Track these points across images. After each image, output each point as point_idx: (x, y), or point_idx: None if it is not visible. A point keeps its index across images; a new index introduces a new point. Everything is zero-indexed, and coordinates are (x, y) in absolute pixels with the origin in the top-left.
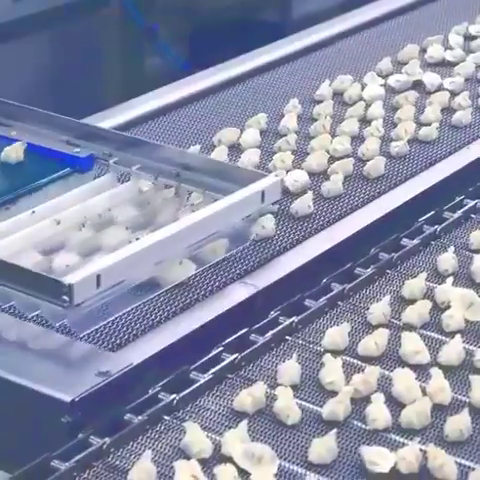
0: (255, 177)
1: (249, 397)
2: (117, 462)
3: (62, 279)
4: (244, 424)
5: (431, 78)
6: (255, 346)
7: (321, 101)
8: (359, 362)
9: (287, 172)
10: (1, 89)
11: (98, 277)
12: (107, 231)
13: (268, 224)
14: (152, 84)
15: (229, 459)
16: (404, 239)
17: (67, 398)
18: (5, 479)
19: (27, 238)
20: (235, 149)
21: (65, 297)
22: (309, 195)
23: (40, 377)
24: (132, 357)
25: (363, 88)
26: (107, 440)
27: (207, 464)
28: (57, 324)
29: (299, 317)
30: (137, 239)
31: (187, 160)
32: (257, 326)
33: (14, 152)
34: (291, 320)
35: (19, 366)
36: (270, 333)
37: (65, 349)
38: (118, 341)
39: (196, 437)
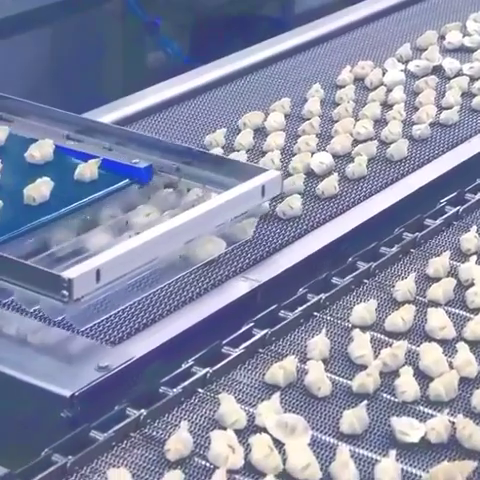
0: (255, 172)
1: (281, 370)
2: (154, 433)
3: (62, 274)
4: (277, 396)
5: (451, 63)
6: (285, 322)
7: (343, 86)
8: (386, 338)
9: (312, 154)
10: (2, 84)
11: (98, 272)
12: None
13: (295, 204)
14: (154, 78)
15: (263, 430)
16: (427, 219)
17: (67, 393)
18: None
19: None
20: (260, 132)
21: (65, 292)
22: (335, 176)
23: (40, 372)
24: (132, 351)
25: (383, 73)
26: (144, 412)
27: (241, 435)
28: (57, 319)
29: (327, 294)
30: (137, 233)
31: (187, 155)
32: (286, 303)
33: (89, 170)
34: (319, 297)
35: (19, 361)
36: (299, 309)
37: (65, 344)
38: (118, 335)
39: (231, 408)
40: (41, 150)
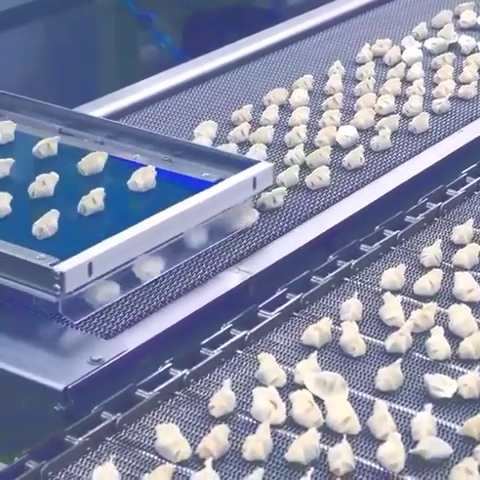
0: (247, 164)
1: (316, 331)
2: (197, 391)
3: (54, 267)
4: (314, 355)
5: (467, 40)
6: (317, 286)
7: (362, 63)
8: (415, 301)
9: (337, 128)
10: None
11: (90, 265)
12: None
13: (324, 175)
14: (148, 72)
15: (302, 387)
16: (449, 190)
17: (60, 386)
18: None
19: None
20: (284, 108)
21: (57, 285)
22: (360, 148)
23: (33, 365)
24: (125, 344)
25: (401, 51)
26: (186, 372)
27: (281, 392)
28: (50, 312)
29: (356, 260)
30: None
31: (179, 147)
32: (317, 269)
33: (141, 178)
34: (349, 263)
35: (12, 354)
36: (330, 275)
37: (58, 337)
38: (111, 328)
39: (271, 367)
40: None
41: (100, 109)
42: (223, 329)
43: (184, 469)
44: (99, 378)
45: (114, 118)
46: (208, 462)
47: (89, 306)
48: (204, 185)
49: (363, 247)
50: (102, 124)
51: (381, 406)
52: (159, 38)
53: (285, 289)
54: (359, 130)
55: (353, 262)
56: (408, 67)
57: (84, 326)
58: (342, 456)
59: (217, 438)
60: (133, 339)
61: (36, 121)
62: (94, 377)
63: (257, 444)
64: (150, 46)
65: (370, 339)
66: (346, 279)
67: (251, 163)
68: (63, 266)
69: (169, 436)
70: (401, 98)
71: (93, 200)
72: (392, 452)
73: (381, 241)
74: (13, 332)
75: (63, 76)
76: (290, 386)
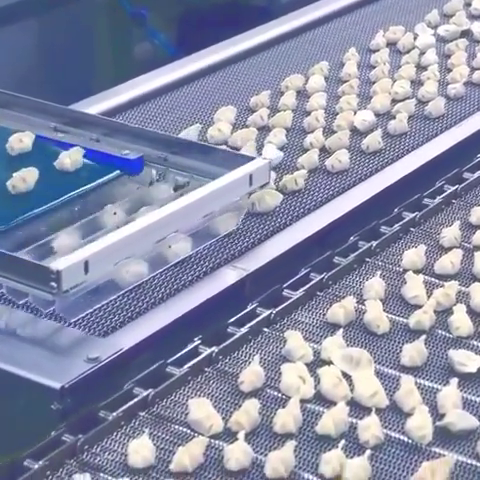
0: (243, 160)
1: (341, 309)
2: (226, 368)
3: (50, 265)
4: (340, 332)
5: (479, 27)
6: (340, 266)
7: (376, 50)
8: (436, 280)
9: (354, 113)
10: None
11: (86, 263)
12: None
13: (343, 158)
14: (142, 69)
15: (329, 364)
16: (466, 173)
17: (57, 385)
18: None
19: None
20: (301, 94)
21: (53, 283)
22: (378, 132)
23: (29, 364)
24: (122, 342)
25: (414, 38)
26: (215, 349)
27: (309, 368)
28: (46, 311)
29: (377, 242)
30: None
31: (175, 144)
32: (339, 250)
33: (68, 159)
34: (370, 244)
35: (8, 353)
36: (352, 255)
37: (54, 335)
38: (108, 326)
39: (298, 344)
40: (24, 141)
41: (95, 106)
42: (249, 308)
43: (217, 442)
44: (96, 377)
45: (113, 114)
46: (241, 435)
47: (86, 304)
48: (125, 163)
49: (383, 229)
50: (97, 121)
51: (408, 380)
52: (153, 35)
53: (308, 269)
54: (376, 115)
55: (374, 243)
56: (422, 53)
57: (80, 324)
58: (371, 429)
59: (248, 412)
60: (130, 337)
61: (30, 118)
62: (91, 376)
63: (288, 418)
64: (144, 43)
65: (393, 317)
66: (367, 259)
67: (247, 160)
68: (59, 264)
69: (201, 410)
70: (416, 83)
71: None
72: (420, 424)
73: (400, 223)
74: (9, 330)
75: (57, 74)
76: (317, 362)
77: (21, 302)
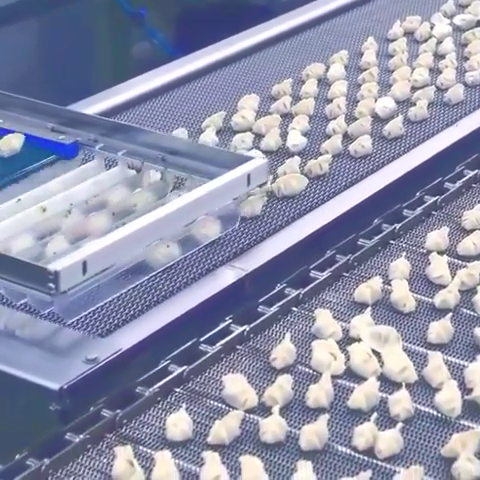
0: (241, 160)
1: (368, 289)
2: (257, 346)
3: (48, 266)
4: (368, 310)
5: None
6: (364, 249)
7: (394, 40)
8: (459, 261)
9: (375, 100)
10: None
11: (84, 263)
12: (94, 217)
13: (366, 143)
14: (141, 68)
15: (358, 341)
16: None
17: (55, 386)
18: None
19: (14, 226)
20: (322, 82)
21: (51, 284)
22: (400, 118)
23: (28, 365)
24: (120, 343)
25: (431, 27)
26: (246, 327)
27: (338, 345)
28: (44, 311)
29: (400, 224)
30: (123, 224)
31: (173, 144)
32: (363, 232)
33: (7, 144)
34: (393, 227)
35: (7, 354)
36: (376, 237)
37: (53, 336)
38: (106, 327)
39: (327, 321)
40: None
41: (94, 106)
42: (277, 288)
43: (251, 416)
44: (94, 377)
45: (115, 113)
46: (275, 408)
47: (84, 305)
48: (60, 147)
49: (405, 212)
50: (95, 122)
51: (436, 356)
52: (152, 34)
53: (334, 251)
54: (396, 102)
55: (397, 226)
56: (439, 42)
57: (79, 325)
58: (402, 402)
59: (282, 387)
60: (128, 338)
61: (27, 118)
62: (89, 376)
63: (320, 392)
64: (143, 42)
65: (418, 297)
66: (391, 242)
67: (245, 160)
68: (57, 265)
69: (236, 385)
70: (434, 71)
71: None
72: (449, 398)
73: (423, 206)
74: (8, 331)
75: (55, 73)
76: (346, 340)
77: (19, 303)
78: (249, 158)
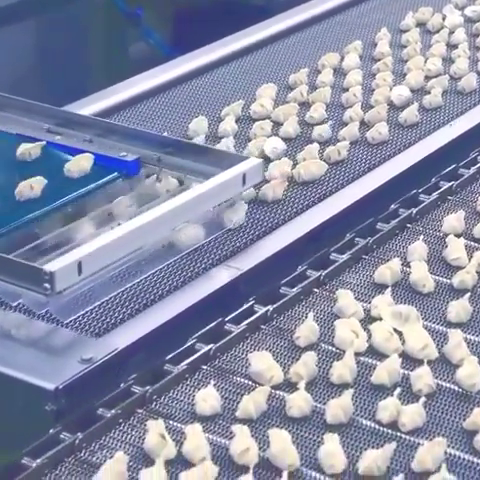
0: (236, 160)
1: (388, 270)
2: (281, 325)
3: (43, 267)
4: (389, 290)
5: None
6: (382, 232)
7: (407, 30)
8: (476, 244)
9: (390, 88)
10: None
11: (79, 264)
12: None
13: (383, 130)
14: (138, 68)
15: (379, 320)
16: None
17: (51, 386)
18: None
19: None
20: (338, 72)
21: (46, 285)
22: (415, 106)
23: (23, 365)
24: (115, 343)
25: (443, 19)
26: (270, 308)
27: (360, 324)
28: (40, 312)
29: (416, 209)
30: (119, 224)
31: (168, 144)
32: (380, 216)
33: (76, 165)
34: (409, 211)
35: (2, 355)
36: (394, 222)
37: (48, 336)
38: (101, 327)
39: (349, 301)
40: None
41: (89, 107)
42: (299, 270)
43: (278, 392)
44: (90, 377)
45: (134, 103)
46: (301, 384)
47: (80, 305)
48: (122, 164)
49: (422, 197)
50: (91, 122)
51: (456, 334)
52: (148, 35)
53: (353, 234)
54: (411, 90)
55: (414, 210)
56: (451, 33)
57: (74, 325)
58: (424, 378)
59: (307, 363)
60: (123, 338)
61: (23, 120)
62: (85, 376)
63: (344, 369)
64: (140, 43)
65: (437, 278)
66: (408, 225)
67: (241, 159)
68: (53, 265)
69: (262, 362)
70: (447, 61)
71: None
72: (470, 374)
73: (438, 191)
74: (3, 332)
75: (52, 74)
76: (367, 319)
77: (15, 304)
78: (244, 158)
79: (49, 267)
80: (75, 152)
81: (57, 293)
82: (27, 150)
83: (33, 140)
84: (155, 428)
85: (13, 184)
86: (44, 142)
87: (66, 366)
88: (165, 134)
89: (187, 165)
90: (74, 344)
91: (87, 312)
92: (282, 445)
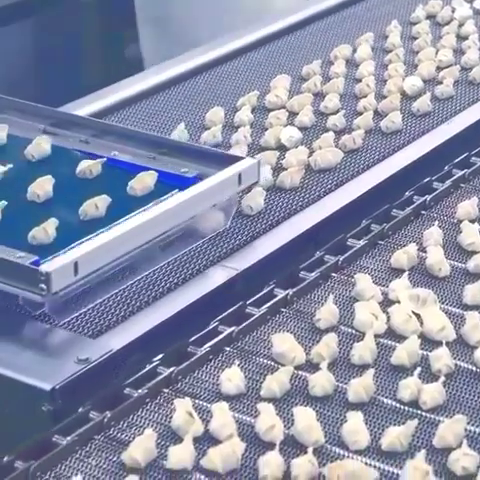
0: (232, 160)
1: (404, 255)
2: (301, 308)
3: (39, 267)
4: (406, 274)
5: None
6: (398, 218)
7: (417, 23)
8: None
9: (402, 79)
10: None
11: (75, 264)
12: None
13: (397, 119)
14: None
15: (396, 303)
16: None
17: (47, 386)
18: None
19: None
20: (350, 63)
21: (43, 285)
22: (428, 95)
23: (19, 365)
24: (112, 343)
25: (452, 11)
26: (290, 291)
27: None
28: (36, 312)
29: (431, 196)
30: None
31: (164, 144)
32: (396, 203)
33: (140, 183)
34: (424, 198)
35: None
36: (408, 209)
37: (44, 337)
38: (97, 327)
39: (367, 285)
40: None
41: (85, 108)
42: (317, 255)
43: (300, 372)
44: (86, 377)
45: (129, 104)
46: (323, 364)
47: (76, 305)
48: (185, 181)
49: (435, 184)
50: (87, 123)
51: (473, 315)
52: None
53: (369, 220)
54: (422, 81)
55: (428, 197)
56: (461, 25)
57: (70, 326)
58: (443, 358)
59: (328, 344)
60: (120, 338)
61: (19, 121)
62: (81, 377)
63: (365, 350)
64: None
65: (452, 262)
66: (423, 212)
67: (236, 159)
68: (49, 266)
69: (285, 343)
70: (457, 52)
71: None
72: None
73: (451, 179)
74: None
75: (48, 74)
76: (385, 303)
77: (11, 304)
78: (240, 158)
79: (45, 267)
80: (135, 169)
81: (53, 294)
82: (88, 167)
83: (93, 156)
84: (182, 406)
85: (76, 203)
86: (104, 159)
87: (62, 366)
88: (182, 125)
89: (183, 165)
90: (70, 344)
91: (83, 312)
92: (307, 422)
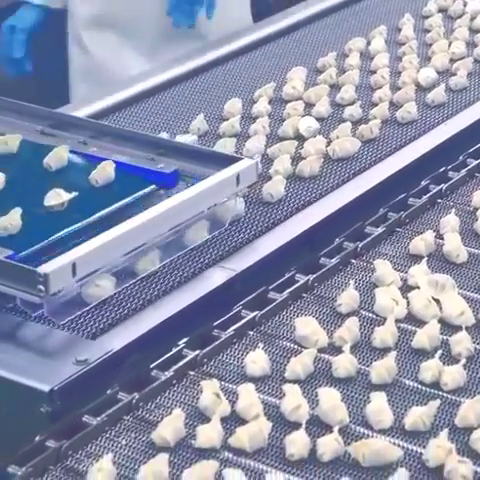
0: (230, 160)
1: (422, 241)
2: (322, 293)
3: (37, 268)
4: (424, 260)
5: None
6: (415, 206)
7: (429, 16)
8: None
9: (417, 71)
10: None
11: (73, 265)
12: None
13: (412, 110)
14: None
15: (416, 289)
16: None
17: (46, 388)
18: None
19: None
20: (364, 55)
21: (41, 286)
22: (442, 86)
23: (18, 367)
24: (110, 344)
25: (464, 5)
26: (311, 277)
27: None
28: (34, 313)
29: (446, 185)
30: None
31: (162, 145)
32: (413, 192)
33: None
34: (440, 187)
35: None
36: (425, 197)
37: (42, 338)
38: (96, 328)
39: (387, 271)
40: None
41: (84, 108)
42: (336, 242)
43: (323, 355)
44: (85, 379)
45: (149, 96)
46: (346, 347)
47: (75, 307)
48: (160, 177)
49: (451, 174)
50: (84, 124)
51: None
52: None
53: (387, 209)
54: (436, 72)
55: (444, 186)
56: (473, 18)
57: (69, 327)
58: (463, 342)
59: (350, 328)
60: (119, 339)
61: (17, 122)
62: (80, 378)
63: (386, 333)
64: None
65: (469, 249)
66: (439, 201)
67: (235, 160)
68: (47, 267)
69: (307, 326)
70: (470, 45)
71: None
72: None
73: (466, 168)
74: None
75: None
76: (404, 288)
77: (9, 306)
78: (238, 158)
79: (43, 269)
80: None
81: (51, 295)
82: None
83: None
84: (210, 387)
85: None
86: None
87: (61, 368)
88: (201, 115)
89: (181, 166)
90: (69, 345)
91: (82, 313)
92: (332, 402)
